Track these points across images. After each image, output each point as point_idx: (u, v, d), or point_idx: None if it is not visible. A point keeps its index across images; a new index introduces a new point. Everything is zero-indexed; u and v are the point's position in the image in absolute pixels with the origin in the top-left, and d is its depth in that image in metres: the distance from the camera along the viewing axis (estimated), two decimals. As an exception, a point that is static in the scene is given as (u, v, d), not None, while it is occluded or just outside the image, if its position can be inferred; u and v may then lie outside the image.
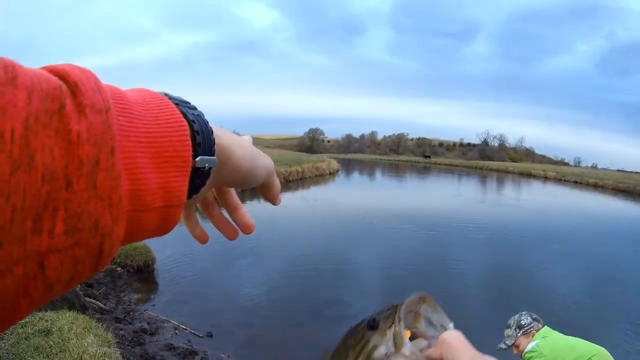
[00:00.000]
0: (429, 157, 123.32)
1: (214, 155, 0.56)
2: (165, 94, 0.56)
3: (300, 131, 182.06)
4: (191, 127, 0.53)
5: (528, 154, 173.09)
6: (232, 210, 0.74)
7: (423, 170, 68.75)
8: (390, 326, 0.75)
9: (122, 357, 5.38)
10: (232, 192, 0.75)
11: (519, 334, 4.18)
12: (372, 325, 0.78)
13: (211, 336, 7.63)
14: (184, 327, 7.79)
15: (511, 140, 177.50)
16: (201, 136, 0.54)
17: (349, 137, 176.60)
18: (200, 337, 7.56)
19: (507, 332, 4.28)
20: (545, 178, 60.73)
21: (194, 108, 0.58)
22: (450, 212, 22.64)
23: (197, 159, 0.53)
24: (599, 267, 13.69)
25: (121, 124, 0.43)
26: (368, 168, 68.00)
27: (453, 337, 0.68)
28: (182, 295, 9.36)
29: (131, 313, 8.13)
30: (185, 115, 0.53)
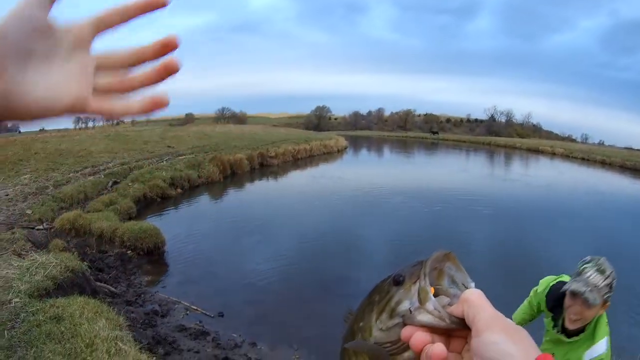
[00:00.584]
0: (436, 133, 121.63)
1: None
2: None
3: (307, 109, 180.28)
4: None
5: (535, 130, 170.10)
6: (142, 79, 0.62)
7: (431, 147, 68.34)
8: (415, 282, 0.76)
9: (134, 339, 5.42)
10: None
11: (606, 296, 2.80)
12: (398, 280, 0.79)
13: (222, 316, 7.68)
14: (195, 307, 7.84)
15: (518, 116, 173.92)
16: None
17: (356, 114, 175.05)
18: (212, 317, 7.61)
19: (596, 280, 2.79)
20: (553, 154, 59.87)
21: None
22: (457, 187, 22.51)
23: None
24: (604, 243, 13.57)
25: None
26: (376, 145, 67.65)
27: (475, 295, 0.70)
28: (193, 276, 9.41)
29: (142, 295, 8.19)
30: None
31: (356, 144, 64.37)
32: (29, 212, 11.17)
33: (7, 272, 6.26)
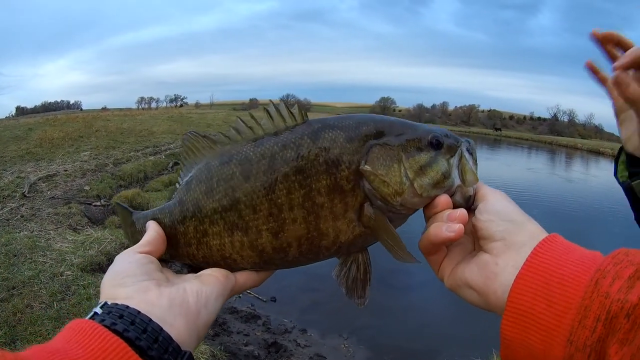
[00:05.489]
0: (499, 129, 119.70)
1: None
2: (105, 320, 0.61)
3: (371, 100, 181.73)
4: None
5: (597, 131, 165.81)
6: None
7: (493, 143, 67.55)
8: (452, 156, 0.79)
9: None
10: None
11: None
12: (437, 144, 0.79)
13: (275, 301, 7.60)
14: (248, 291, 7.74)
15: (581, 117, 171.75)
16: None
17: (420, 107, 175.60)
18: (264, 301, 7.53)
19: None
20: (614, 157, 58.19)
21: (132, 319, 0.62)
22: (516, 183, 22.21)
23: None
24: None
25: None
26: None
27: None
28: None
29: (196, 277, 8.13)
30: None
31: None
32: (87, 188, 11.25)
33: (62, 246, 6.32)
